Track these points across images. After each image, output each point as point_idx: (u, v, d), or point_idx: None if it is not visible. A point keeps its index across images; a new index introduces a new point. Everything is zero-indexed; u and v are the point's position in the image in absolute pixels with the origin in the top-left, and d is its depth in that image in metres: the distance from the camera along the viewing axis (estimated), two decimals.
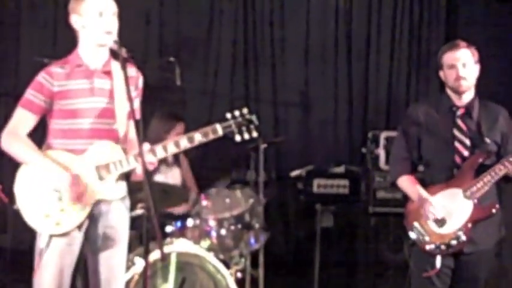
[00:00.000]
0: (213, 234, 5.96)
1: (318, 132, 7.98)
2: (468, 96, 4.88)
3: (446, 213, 4.83)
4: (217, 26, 7.89)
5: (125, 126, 4.41)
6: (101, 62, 4.38)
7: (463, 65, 4.79)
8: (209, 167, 7.04)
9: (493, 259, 5.09)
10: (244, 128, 4.41)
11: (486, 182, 4.79)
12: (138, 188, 4.26)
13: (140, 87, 4.45)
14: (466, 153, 4.85)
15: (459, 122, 4.90)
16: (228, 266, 5.76)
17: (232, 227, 5.97)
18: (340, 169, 7.44)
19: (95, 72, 4.35)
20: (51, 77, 4.30)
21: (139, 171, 4.13)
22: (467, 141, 4.87)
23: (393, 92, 8.09)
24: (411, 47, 8.15)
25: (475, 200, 4.80)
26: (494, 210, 4.83)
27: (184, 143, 4.36)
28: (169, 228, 5.96)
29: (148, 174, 4.08)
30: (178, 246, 5.60)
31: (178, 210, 6.21)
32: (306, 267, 7.23)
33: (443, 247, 4.82)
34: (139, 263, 5.28)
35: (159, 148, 4.32)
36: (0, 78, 7.30)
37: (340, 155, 7.86)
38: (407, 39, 8.15)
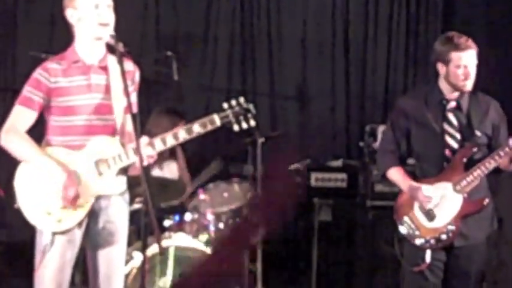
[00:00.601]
0: (211, 228, 5.96)
1: (315, 126, 7.97)
2: None
3: (436, 206, 4.83)
4: (214, 20, 7.87)
5: (121, 120, 4.41)
6: (98, 57, 4.37)
7: (471, 66, 4.79)
8: (207, 161, 7.03)
9: (485, 252, 5.08)
10: (241, 118, 4.41)
11: (476, 176, 4.79)
12: (136, 182, 4.27)
13: (137, 81, 4.44)
14: (456, 146, 4.86)
15: (449, 115, 4.90)
16: None
17: (230, 221, 5.98)
18: (338, 163, 7.44)
19: (92, 68, 4.35)
20: (48, 73, 4.29)
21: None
22: (458, 135, 4.87)
23: (390, 86, 8.08)
24: (408, 41, 8.14)
25: (465, 194, 4.80)
26: (484, 204, 4.83)
27: (183, 135, 4.35)
28: (167, 223, 5.97)
29: (146, 168, 4.08)
30: (176, 240, 5.60)
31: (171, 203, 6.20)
32: (304, 260, 7.23)
33: (433, 241, 4.82)
34: (138, 257, 5.28)
35: (157, 141, 4.31)
36: None
37: (338, 149, 7.86)
38: (405, 33, 8.14)
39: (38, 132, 4.38)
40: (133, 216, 4.77)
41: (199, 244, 5.67)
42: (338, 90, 8.05)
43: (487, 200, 4.84)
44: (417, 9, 8.19)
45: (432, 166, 4.91)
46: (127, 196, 4.46)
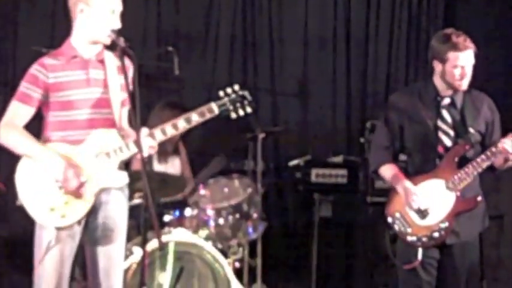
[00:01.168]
0: (211, 223, 5.97)
1: (316, 122, 7.97)
2: None
3: (428, 204, 4.81)
4: (215, 16, 7.87)
5: (119, 114, 4.41)
6: (95, 51, 4.38)
7: (468, 66, 4.78)
8: (207, 157, 7.04)
9: (478, 249, 5.06)
10: (238, 105, 4.43)
11: (469, 173, 4.77)
12: (137, 177, 4.27)
13: (131, 77, 4.42)
14: (449, 143, 4.84)
15: (443, 112, 4.88)
16: (226, 255, 5.77)
17: (230, 217, 5.99)
18: (339, 159, 7.44)
19: (90, 62, 4.35)
20: (45, 69, 4.29)
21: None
22: (451, 132, 4.85)
23: (392, 82, 8.08)
24: (410, 37, 8.14)
25: (458, 192, 4.78)
26: (477, 202, 4.82)
27: (182, 124, 4.36)
28: (167, 218, 5.97)
29: (147, 161, 4.09)
30: (176, 235, 5.61)
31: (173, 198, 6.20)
32: (304, 256, 7.24)
33: (424, 239, 4.80)
34: (137, 252, 5.28)
35: (157, 131, 4.32)
36: None
37: (339, 145, 7.85)
38: (406, 28, 8.14)
39: (33, 128, 4.38)
40: (133, 211, 4.78)
41: (199, 239, 5.67)
42: (339, 86, 8.05)
43: (479, 198, 4.82)
44: (419, 5, 8.18)
45: (425, 163, 4.89)
46: (126, 191, 4.46)
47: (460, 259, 4.85)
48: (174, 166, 6.55)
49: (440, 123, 4.85)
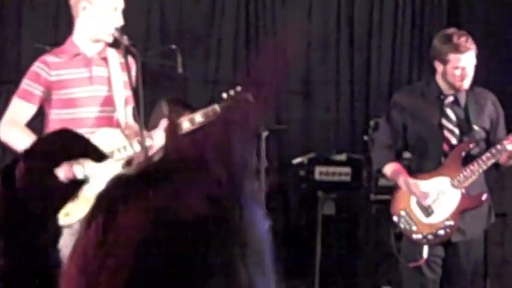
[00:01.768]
0: None
1: (319, 119, 7.97)
2: None
3: (434, 202, 4.81)
4: (219, 14, 7.86)
5: (123, 112, 4.41)
6: (97, 49, 4.38)
7: (469, 68, 4.77)
8: None
9: (483, 247, 5.06)
10: None
11: (474, 171, 4.77)
12: None
13: (133, 75, 4.42)
14: (454, 141, 4.83)
15: (447, 110, 4.88)
16: None
17: None
18: (342, 157, 7.43)
19: (93, 60, 4.35)
20: (48, 67, 4.29)
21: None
22: (456, 130, 4.85)
23: (395, 80, 8.07)
24: (413, 34, 8.13)
25: (463, 190, 4.78)
26: (482, 199, 4.81)
27: (186, 125, 4.37)
28: None
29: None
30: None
31: None
32: (307, 254, 7.23)
33: (430, 237, 4.80)
34: None
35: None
36: (1, 66, 7.28)
37: (342, 143, 7.85)
38: (410, 26, 8.12)
39: (34, 127, 4.37)
40: None
41: None
42: (342, 84, 8.04)
43: (485, 195, 4.82)
44: (422, 2, 8.17)
45: (430, 161, 4.89)
46: None
47: (465, 257, 4.85)
48: None
49: (444, 121, 4.85)
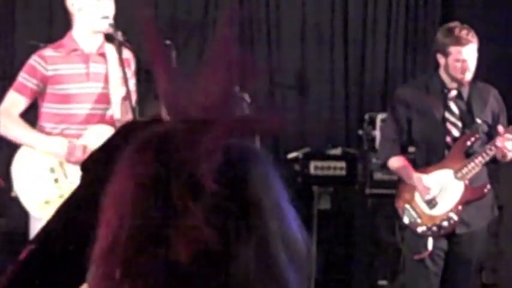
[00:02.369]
0: None
1: (314, 114, 7.97)
2: None
3: (437, 194, 4.85)
4: (212, 9, 7.85)
5: (120, 109, 4.41)
6: (96, 45, 4.37)
7: (471, 60, 4.80)
8: None
9: (486, 240, 5.12)
10: None
11: (477, 163, 4.81)
12: None
13: (133, 69, 4.44)
14: (457, 134, 4.87)
15: (451, 104, 4.91)
16: None
17: None
18: (337, 151, 7.43)
19: (91, 56, 4.34)
20: (45, 61, 4.29)
21: None
22: (459, 123, 4.89)
23: (390, 74, 8.07)
24: (407, 29, 8.13)
25: (466, 181, 4.82)
26: (485, 191, 4.85)
27: None
28: None
29: None
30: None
31: None
32: None
33: (434, 229, 4.84)
34: None
35: None
36: None
37: (337, 137, 7.85)
38: (404, 21, 8.12)
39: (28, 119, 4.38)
40: None
41: None
42: (337, 78, 8.04)
43: (488, 187, 4.86)
44: None
45: (433, 154, 4.93)
46: None
47: (468, 249, 4.89)
48: None
49: (447, 114, 4.89)
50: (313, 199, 7.20)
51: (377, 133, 6.95)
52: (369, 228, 6.99)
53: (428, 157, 4.95)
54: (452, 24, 4.90)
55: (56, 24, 6.93)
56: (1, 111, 4.31)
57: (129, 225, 1.10)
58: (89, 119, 4.30)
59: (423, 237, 4.86)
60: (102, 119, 4.33)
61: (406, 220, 4.93)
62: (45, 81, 4.28)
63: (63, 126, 4.28)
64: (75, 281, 1.34)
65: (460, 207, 4.80)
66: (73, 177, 4.24)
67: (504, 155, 4.77)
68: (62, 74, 4.28)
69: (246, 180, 1.16)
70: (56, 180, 4.22)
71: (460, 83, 4.87)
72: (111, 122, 4.34)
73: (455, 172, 4.82)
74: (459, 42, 4.76)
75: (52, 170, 4.23)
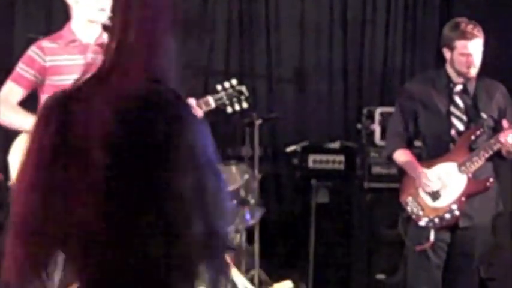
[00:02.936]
0: None
1: (313, 107, 7.97)
2: None
3: (441, 186, 4.88)
4: (212, 2, 7.85)
5: None
6: (94, 36, 4.38)
7: (476, 55, 4.83)
8: None
9: (490, 234, 5.14)
10: (235, 100, 4.46)
11: (481, 157, 4.83)
12: None
13: None
14: (461, 127, 4.90)
15: (456, 98, 4.94)
16: None
17: None
18: (336, 145, 7.44)
19: (89, 47, 4.35)
20: (43, 52, 4.30)
21: None
22: (464, 117, 4.91)
23: (388, 68, 8.08)
24: (406, 23, 8.13)
25: (470, 174, 4.84)
26: (488, 184, 4.87)
27: None
28: None
29: None
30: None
31: None
32: (301, 242, 7.25)
33: (437, 220, 4.87)
34: None
35: None
36: None
37: (335, 131, 7.85)
38: (403, 15, 8.12)
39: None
40: None
41: None
42: (335, 72, 8.04)
43: (491, 180, 4.88)
44: None
45: (439, 148, 4.96)
46: None
47: (471, 242, 4.92)
48: None
49: (453, 108, 4.92)
50: (312, 193, 7.21)
51: (375, 127, 6.95)
52: (367, 222, 7.00)
53: (434, 150, 4.99)
54: (459, 19, 4.94)
55: (55, 17, 6.93)
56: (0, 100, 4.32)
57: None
58: None
59: (425, 229, 4.89)
60: None
61: (408, 212, 4.97)
62: (43, 72, 4.28)
63: None
64: None
65: (462, 200, 4.83)
66: None
67: (509, 151, 4.79)
68: (60, 65, 4.29)
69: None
70: None
71: (465, 77, 4.89)
72: None
73: (459, 165, 4.85)
74: (465, 36, 4.80)
75: None
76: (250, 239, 6.36)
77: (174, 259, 1.46)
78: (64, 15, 4.47)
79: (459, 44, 4.83)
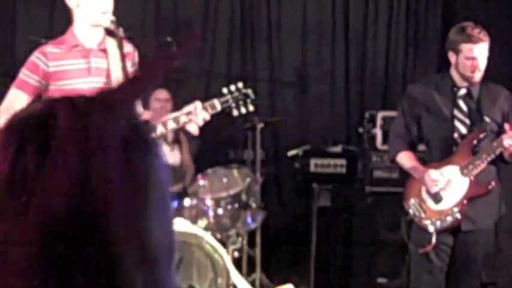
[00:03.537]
0: (210, 213, 5.97)
1: (315, 111, 7.98)
2: None
3: (443, 189, 4.88)
4: (214, 5, 7.86)
5: None
6: (97, 40, 4.37)
7: (481, 59, 4.83)
8: (206, 146, 7.04)
9: (492, 238, 5.15)
10: (241, 103, 4.46)
11: (483, 160, 4.84)
12: None
13: (137, 62, 4.44)
14: (464, 131, 4.91)
15: (460, 102, 4.95)
16: (225, 246, 5.77)
17: (229, 207, 5.98)
18: (337, 149, 7.44)
19: (91, 51, 4.35)
20: (46, 57, 4.29)
21: None
22: (467, 120, 4.92)
23: (390, 72, 8.08)
24: (408, 26, 8.14)
25: (472, 177, 4.84)
26: (490, 188, 4.87)
27: (184, 119, 4.37)
28: None
29: None
30: (175, 225, 5.60)
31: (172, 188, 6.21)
32: (303, 246, 7.25)
33: (438, 223, 4.89)
34: None
35: (158, 126, 4.33)
36: None
37: (337, 135, 7.86)
38: (405, 18, 8.13)
39: None
40: None
41: (198, 229, 5.67)
42: (338, 75, 8.05)
43: (493, 183, 4.88)
44: None
45: (441, 151, 4.97)
46: None
47: (474, 246, 4.92)
48: (174, 156, 6.56)
49: (456, 112, 4.93)
50: (313, 196, 7.21)
51: (377, 131, 6.95)
52: (369, 226, 7.00)
53: (437, 153, 5.00)
54: (465, 23, 4.94)
55: (57, 20, 6.94)
56: (2, 109, 4.31)
57: None
58: None
59: (427, 231, 4.91)
60: None
61: (411, 214, 4.98)
62: (47, 77, 4.28)
63: None
64: None
65: (465, 203, 4.84)
66: None
67: (511, 154, 4.80)
68: (63, 70, 4.29)
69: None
70: None
71: (469, 81, 4.89)
72: None
73: (462, 168, 4.86)
74: (470, 40, 4.80)
75: None
76: (251, 243, 6.35)
77: None
78: (66, 18, 4.47)
79: (465, 47, 4.83)
